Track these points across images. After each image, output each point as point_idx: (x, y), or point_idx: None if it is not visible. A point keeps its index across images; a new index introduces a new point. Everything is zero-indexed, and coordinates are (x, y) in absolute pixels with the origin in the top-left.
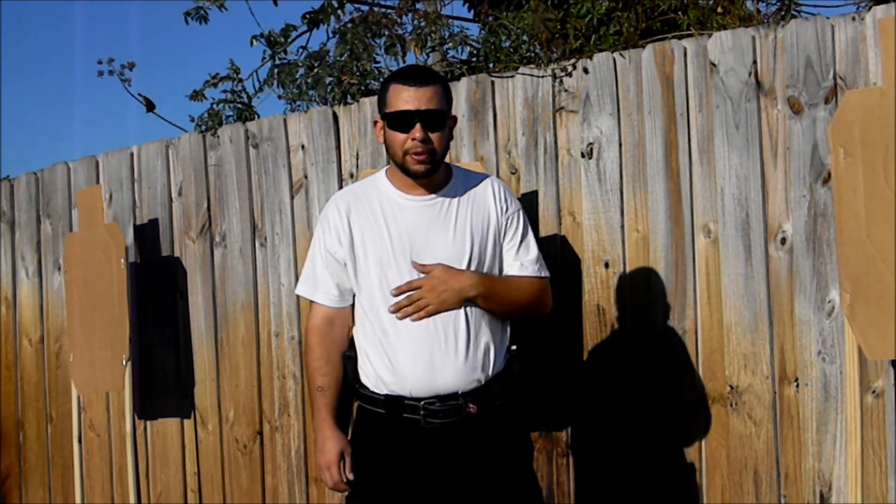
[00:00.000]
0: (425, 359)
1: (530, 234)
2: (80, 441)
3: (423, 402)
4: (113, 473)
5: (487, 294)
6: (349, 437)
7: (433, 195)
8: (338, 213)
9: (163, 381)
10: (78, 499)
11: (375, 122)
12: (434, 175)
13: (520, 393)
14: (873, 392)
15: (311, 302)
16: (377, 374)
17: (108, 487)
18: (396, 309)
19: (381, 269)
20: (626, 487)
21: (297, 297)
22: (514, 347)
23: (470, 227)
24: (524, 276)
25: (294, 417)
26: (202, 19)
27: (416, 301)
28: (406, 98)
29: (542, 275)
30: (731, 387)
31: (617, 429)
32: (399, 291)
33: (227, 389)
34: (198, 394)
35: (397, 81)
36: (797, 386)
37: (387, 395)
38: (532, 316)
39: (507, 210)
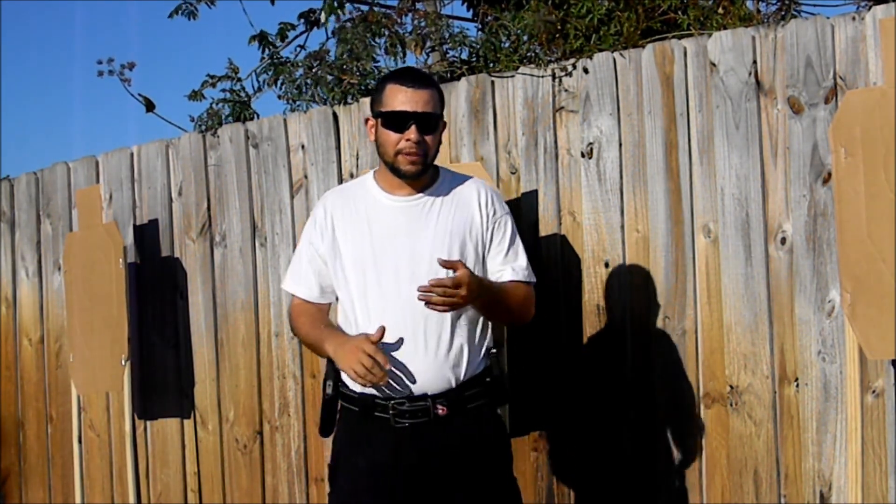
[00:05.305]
0: (395, 359)
1: (518, 240)
2: (80, 441)
3: (392, 402)
4: (113, 473)
5: (489, 300)
6: (334, 435)
7: (417, 195)
8: (324, 211)
9: (163, 381)
10: (78, 499)
11: (367, 120)
12: (422, 176)
13: (501, 396)
14: (873, 392)
15: (293, 295)
16: None
17: (108, 487)
18: (426, 291)
19: (360, 269)
20: (627, 487)
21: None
22: (493, 350)
23: (450, 228)
24: (517, 282)
25: (294, 417)
26: (191, 15)
27: (447, 296)
28: (402, 99)
29: (531, 280)
30: (731, 387)
31: (617, 428)
32: (436, 283)
33: (227, 389)
34: (198, 394)
35: (394, 82)
36: (797, 386)
37: (360, 394)
38: (515, 323)
39: (493, 215)
